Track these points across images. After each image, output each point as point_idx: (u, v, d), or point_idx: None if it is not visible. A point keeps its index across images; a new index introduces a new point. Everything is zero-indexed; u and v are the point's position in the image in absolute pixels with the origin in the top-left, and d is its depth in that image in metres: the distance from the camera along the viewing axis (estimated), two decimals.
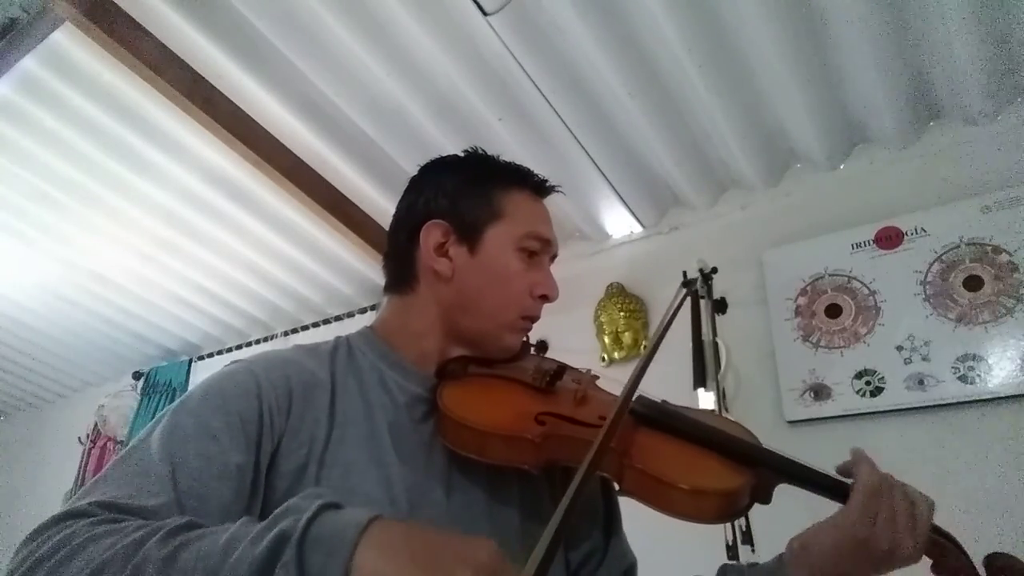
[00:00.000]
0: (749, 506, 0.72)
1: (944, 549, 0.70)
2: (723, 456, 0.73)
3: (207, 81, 2.10)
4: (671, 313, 0.85)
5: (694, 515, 0.68)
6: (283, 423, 0.68)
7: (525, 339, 0.89)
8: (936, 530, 0.71)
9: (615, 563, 0.85)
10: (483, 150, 0.91)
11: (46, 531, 0.52)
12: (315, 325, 3.23)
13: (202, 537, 0.49)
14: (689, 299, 1.96)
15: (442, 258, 0.82)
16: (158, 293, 3.26)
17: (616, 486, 0.71)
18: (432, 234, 0.83)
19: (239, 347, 3.56)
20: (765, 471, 0.72)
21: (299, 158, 2.35)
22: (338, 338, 0.84)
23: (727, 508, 0.70)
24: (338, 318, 3.15)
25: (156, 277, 3.13)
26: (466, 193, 0.84)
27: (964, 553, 0.71)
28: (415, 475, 0.73)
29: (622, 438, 0.72)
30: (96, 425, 3.83)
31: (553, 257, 0.89)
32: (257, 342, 3.48)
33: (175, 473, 0.59)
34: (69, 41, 2.04)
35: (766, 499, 0.72)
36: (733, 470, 0.72)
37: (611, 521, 0.88)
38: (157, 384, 3.78)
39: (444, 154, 0.92)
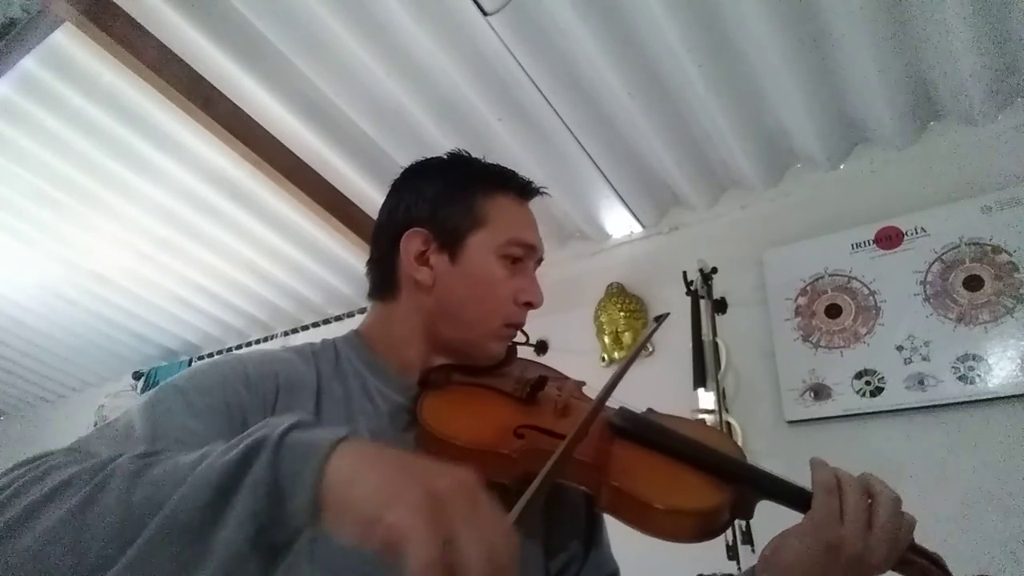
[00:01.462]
0: (730, 522, 0.70)
1: (926, 571, 0.66)
2: (703, 472, 0.70)
3: (207, 81, 2.10)
4: (643, 340, 0.86)
5: (672, 534, 0.65)
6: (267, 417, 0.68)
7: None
8: (915, 549, 0.67)
9: (594, 572, 0.84)
10: (467, 152, 0.88)
11: (17, 468, 0.51)
12: (315, 325, 3.22)
13: (174, 455, 0.49)
14: (690, 300, 1.98)
15: (423, 267, 0.80)
16: (158, 293, 3.26)
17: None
18: (412, 242, 0.81)
19: (239, 347, 3.56)
20: (745, 488, 0.70)
21: (299, 158, 2.35)
22: (324, 341, 0.83)
23: (706, 527, 0.67)
24: (338, 318, 3.15)
25: (156, 277, 3.12)
26: (447, 199, 0.81)
27: (948, 574, 0.67)
28: None
29: (599, 453, 0.70)
30: (96, 425, 3.83)
31: (539, 261, 0.86)
32: (257, 342, 3.48)
33: (155, 437, 0.58)
34: (69, 41, 2.05)
35: (747, 515, 0.70)
36: (713, 487, 0.69)
37: (593, 532, 0.86)
38: (157, 384, 3.77)
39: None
